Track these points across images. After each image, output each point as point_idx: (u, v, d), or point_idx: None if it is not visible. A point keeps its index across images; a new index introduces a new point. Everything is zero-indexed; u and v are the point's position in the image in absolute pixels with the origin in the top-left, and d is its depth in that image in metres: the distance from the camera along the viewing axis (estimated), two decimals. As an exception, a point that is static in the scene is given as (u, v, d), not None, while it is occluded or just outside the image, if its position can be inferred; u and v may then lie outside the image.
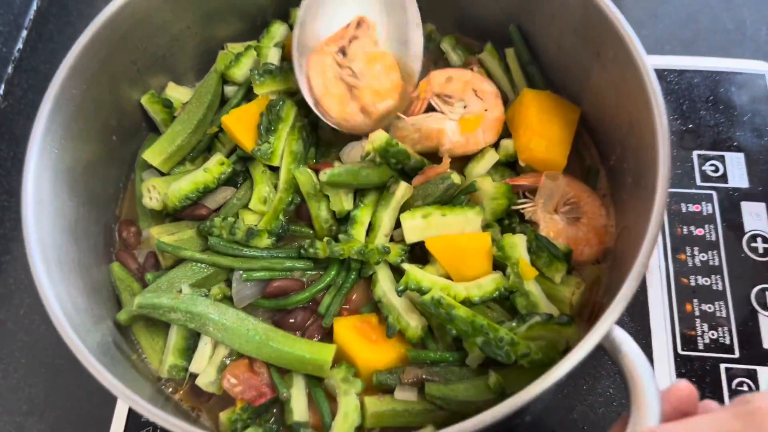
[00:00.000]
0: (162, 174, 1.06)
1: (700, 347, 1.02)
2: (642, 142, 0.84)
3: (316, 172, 0.99)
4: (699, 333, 1.03)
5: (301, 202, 1.00)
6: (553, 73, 1.07)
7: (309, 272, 0.98)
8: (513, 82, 1.08)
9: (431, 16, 1.12)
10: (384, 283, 0.93)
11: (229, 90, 1.11)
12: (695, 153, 1.17)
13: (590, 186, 1.00)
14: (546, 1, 0.98)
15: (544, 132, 0.97)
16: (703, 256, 1.08)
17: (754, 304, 1.04)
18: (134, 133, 1.11)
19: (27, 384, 1.08)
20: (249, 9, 1.12)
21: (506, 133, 1.02)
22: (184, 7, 1.04)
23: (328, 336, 0.94)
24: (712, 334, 1.02)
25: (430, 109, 1.03)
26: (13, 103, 1.35)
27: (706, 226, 1.11)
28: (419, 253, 0.95)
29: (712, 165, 1.15)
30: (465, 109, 1.00)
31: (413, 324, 0.90)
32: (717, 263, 1.08)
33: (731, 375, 1.00)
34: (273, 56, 1.09)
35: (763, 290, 1.05)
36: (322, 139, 1.07)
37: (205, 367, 0.91)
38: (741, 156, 1.16)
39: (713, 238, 1.09)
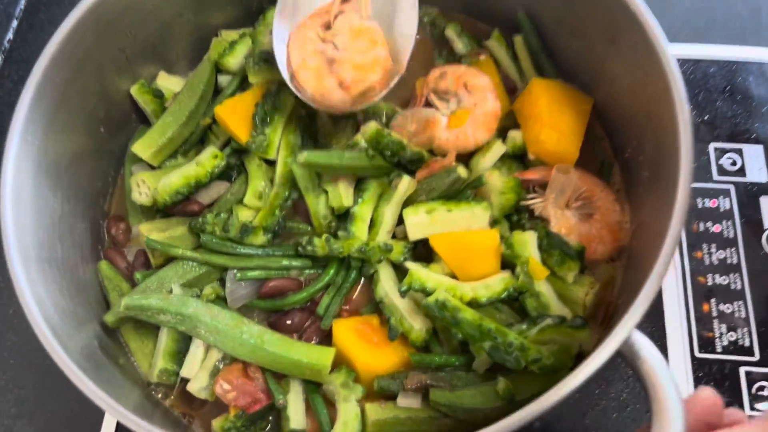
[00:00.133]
0: (152, 168, 1.04)
1: (719, 350, 1.00)
2: (661, 132, 0.81)
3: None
4: (717, 335, 1.01)
5: (298, 197, 0.99)
6: (563, 61, 1.04)
7: (307, 271, 0.96)
8: (521, 70, 1.06)
9: (435, -2, 1.11)
10: (386, 283, 0.92)
11: (223, 79, 1.09)
12: (712, 145, 1.14)
13: (603, 180, 0.98)
14: (557, -15, 0.96)
15: (554, 123, 0.94)
16: (721, 254, 1.06)
17: (775, 304, 1.02)
18: (124, 124, 1.08)
19: (16, 386, 1.06)
20: (244, -6, 1.10)
21: (514, 124, 1.00)
22: (176, -9, 1.02)
23: (326, 339, 0.93)
24: (731, 336, 1.00)
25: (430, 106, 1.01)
26: (2, 95, 1.33)
27: (724, 222, 1.08)
28: (423, 251, 0.94)
29: (729, 158, 1.13)
30: (458, 105, 0.99)
31: (417, 326, 0.89)
32: (735, 261, 1.05)
33: (751, 379, 0.98)
34: (269, 44, 1.04)
35: (784, 289, 1.03)
36: (321, 131, 1.05)
37: (196, 371, 0.90)
38: (760, 148, 1.13)
39: (731, 234, 1.07)
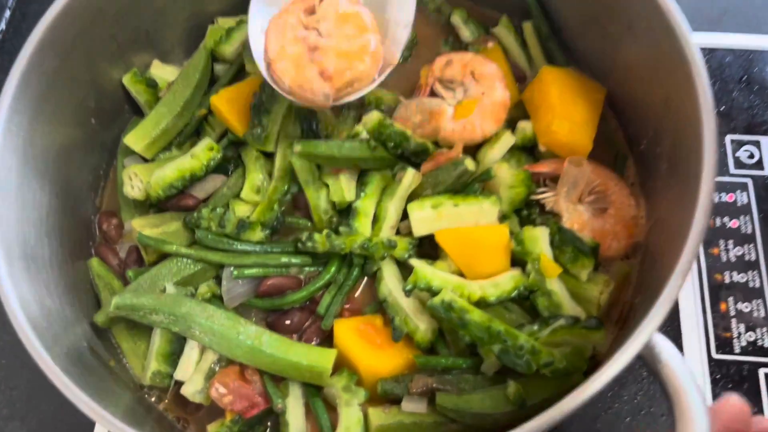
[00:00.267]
0: (146, 160, 1.03)
1: (737, 350, 0.98)
2: (681, 122, 0.80)
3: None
4: (735, 335, 0.99)
5: (298, 191, 0.97)
6: (575, 49, 1.03)
7: (307, 269, 0.95)
8: (531, 59, 1.05)
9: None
10: (390, 281, 0.90)
11: (220, 68, 1.08)
12: (728, 138, 1.13)
13: (617, 173, 0.96)
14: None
15: (566, 113, 0.93)
16: (738, 250, 1.04)
17: (796, 303, 1.01)
18: (116, 115, 1.07)
19: (8, 386, 1.04)
20: (241, -20, 1.08)
21: (524, 114, 0.99)
22: (170, -24, 1.01)
23: (327, 340, 0.92)
24: (750, 336, 0.99)
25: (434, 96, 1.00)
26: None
27: (741, 217, 1.07)
28: (429, 248, 0.93)
29: (746, 150, 1.11)
30: (465, 94, 0.98)
31: (422, 326, 0.88)
32: (753, 258, 1.04)
33: (772, 381, 0.96)
34: None
35: (805, 288, 1.01)
36: (322, 121, 1.02)
37: (191, 374, 0.88)
38: (779, 141, 1.12)
39: (749, 230, 1.05)
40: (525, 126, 0.96)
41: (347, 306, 0.94)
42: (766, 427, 0.65)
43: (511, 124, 0.97)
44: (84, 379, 0.74)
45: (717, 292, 1.01)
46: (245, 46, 1.00)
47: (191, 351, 0.89)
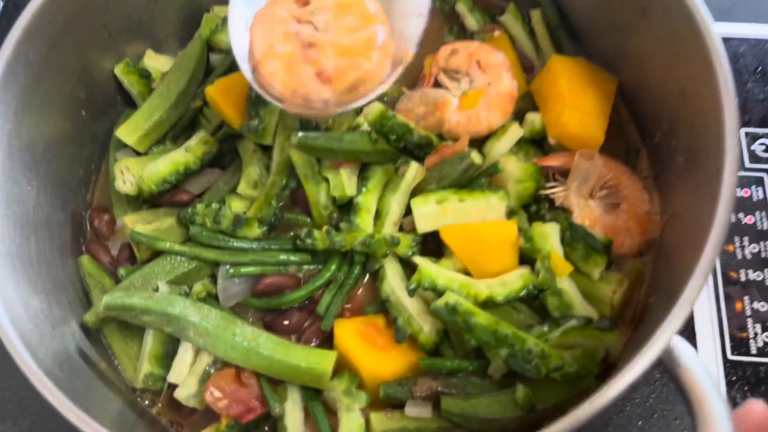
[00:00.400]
0: (139, 154, 1.03)
1: (753, 351, 0.97)
2: (699, 113, 0.79)
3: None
4: (751, 335, 0.98)
5: (297, 185, 0.97)
6: (585, 37, 1.02)
7: (306, 267, 0.95)
8: (539, 48, 1.05)
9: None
10: (392, 280, 0.90)
11: (215, 58, 1.08)
12: (743, 131, 1.12)
13: (629, 167, 0.95)
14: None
15: (577, 104, 0.92)
16: (754, 247, 1.04)
17: (815, 302, 1.00)
18: (108, 107, 1.07)
19: None
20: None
21: (532, 106, 0.98)
22: (163, -39, 1.02)
23: (327, 341, 0.91)
24: (767, 337, 0.98)
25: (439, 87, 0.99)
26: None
27: (757, 213, 1.06)
28: (433, 245, 0.92)
29: (762, 144, 1.11)
30: (470, 85, 0.96)
31: (426, 327, 0.87)
32: None
33: (790, 384, 0.96)
34: None
35: (824, 286, 1.01)
36: None
37: (185, 377, 0.87)
38: (796, 133, 1.12)
39: (765, 226, 1.05)
40: (533, 118, 0.95)
41: (348, 306, 0.94)
42: (792, 435, 0.64)
43: (518, 115, 0.96)
44: (72, 383, 0.73)
45: (732, 290, 1.01)
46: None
47: (185, 353, 0.88)
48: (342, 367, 0.87)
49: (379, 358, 0.86)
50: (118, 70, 1.04)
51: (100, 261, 0.98)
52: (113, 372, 0.92)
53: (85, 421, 0.67)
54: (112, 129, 1.05)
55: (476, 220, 0.88)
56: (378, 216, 0.92)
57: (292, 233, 0.95)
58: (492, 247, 0.87)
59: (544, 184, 0.92)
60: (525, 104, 0.97)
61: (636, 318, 0.86)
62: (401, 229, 0.94)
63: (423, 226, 0.89)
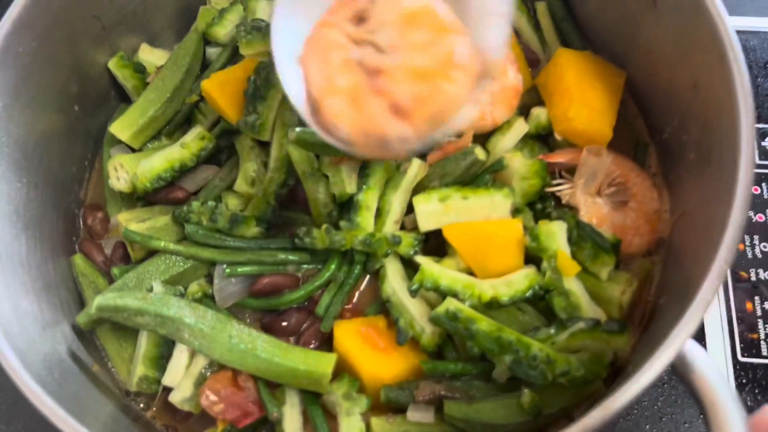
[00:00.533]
0: (133, 150, 1.03)
1: (764, 353, 0.97)
2: (711, 108, 0.78)
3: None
4: (762, 336, 0.97)
5: (295, 183, 0.96)
6: (592, 30, 1.02)
7: (305, 266, 0.94)
8: (545, 41, 1.04)
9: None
10: (394, 280, 0.89)
11: (212, 52, 1.07)
12: None
13: (638, 163, 0.95)
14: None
15: (584, 98, 0.92)
16: (765, 246, 1.03)
17: (827, 303, 0.99)
18: (101, 102, 1.06)
19: None
20: (235, -42, 1.08)
21: (538, 101, 0.97)
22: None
23: (327, 343, 0.91)
24: None
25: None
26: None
27: (767, 211, 1.05)
28: (435, 244, 0.91)
29: None
30: None
31: (429, 329, 0.86)
32: None
33: (803, 387, 0.94)
34: (262, 11, 1.03)
35: (837, 286, 1.00)
36: None
37: (180, 380, 0.86)
38: (806, 130, 1.11)
39: None
40: (539, 113, 0.95)
41: (348, 306, 0.93)
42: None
43: (524, 111, 0.96)
44: (62, 387, 0.73)
45: (742, 290, 1.00)
46: (243, 27, 0.97)
47: (180, 355, 0.87)
48: (342, 370, 0.86)
49: (380, 360, 0.85)
50: (112, 64, 1.03)
51: (94, 260, 0.97)
52: (107, 375, 0.91)
53: (74, 427, 0.66)
54: (106, 124, 1.05)
55: (480, 218, 0.88)
56: (379, 214, 0.91)
57: (290, 232, 0.94)
58: (496, 246, 0.86)
59: (550, 181, 0.92)
60: (530, 98, 0.97)
61: (645, 319, 0.86)
62: (403, 227, 0.93)
63: (425, 224, 0.88)
